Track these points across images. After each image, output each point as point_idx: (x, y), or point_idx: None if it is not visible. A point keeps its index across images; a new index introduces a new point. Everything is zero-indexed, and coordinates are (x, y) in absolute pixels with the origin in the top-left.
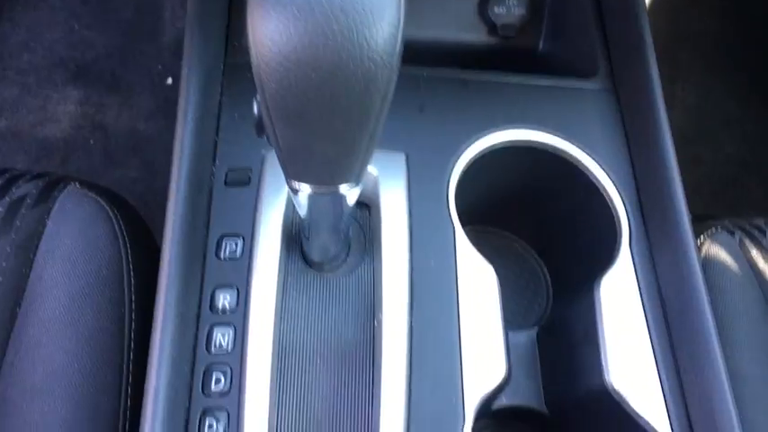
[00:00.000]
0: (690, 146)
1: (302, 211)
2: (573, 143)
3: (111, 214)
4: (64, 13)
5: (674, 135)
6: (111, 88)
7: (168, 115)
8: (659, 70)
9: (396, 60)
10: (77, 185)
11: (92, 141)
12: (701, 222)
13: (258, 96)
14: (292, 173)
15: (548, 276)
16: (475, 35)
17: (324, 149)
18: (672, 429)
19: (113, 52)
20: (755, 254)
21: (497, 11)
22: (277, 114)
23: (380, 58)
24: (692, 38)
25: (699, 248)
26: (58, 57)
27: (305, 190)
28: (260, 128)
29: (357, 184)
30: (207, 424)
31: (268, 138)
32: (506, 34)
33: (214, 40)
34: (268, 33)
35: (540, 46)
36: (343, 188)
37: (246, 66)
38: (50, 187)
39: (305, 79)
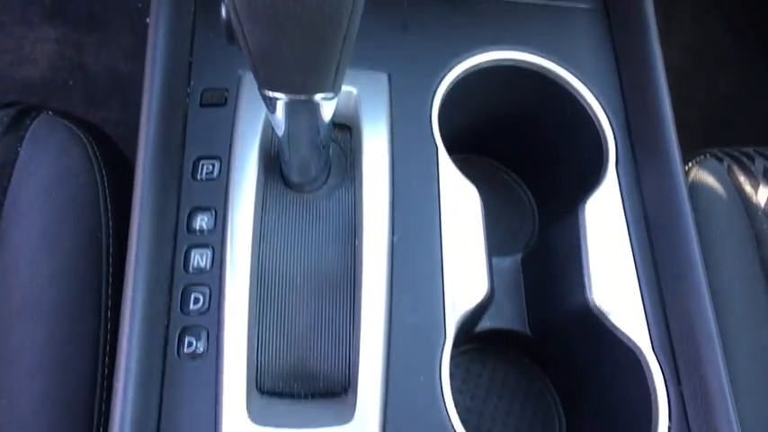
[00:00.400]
0: (684, 85)
1: (279, 129)
2: (561, 64)
3: (85, 141)
4: None
5: (668, 74)
6: (88, 27)
7: None
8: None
9: None
10: (50, 113)
11: (71, 82)
12: (691, 152)
13: None
14: (265, 80)
15: (534, 203)
16: None
17: (294, 50)
18: (652, 343)
19: None
20: (743, 179)
21: None
22: (243, 10)
23: None
24: None
25: (686, 174)
26: None
27: (279, 100)
28: (229, 33)
29: (333, 95)
30: (186, 342)
31: (239, 43)
32: None
33: None
34: None
35: None
36: (319, 97)
37: None
38: (22, 115)
39: None
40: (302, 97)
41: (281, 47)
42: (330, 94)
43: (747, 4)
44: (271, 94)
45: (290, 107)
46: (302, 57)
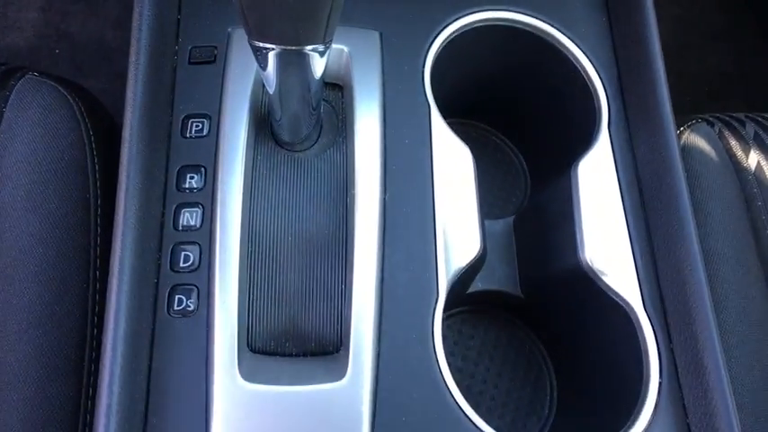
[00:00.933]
0: (674, 58)
1: (270, 85)
2: (553, 25)
3: (71, 101)
4: None
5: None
6: None
7: None
8: None
9: None
10: (35, 74)
11: (57, 51)
12: (682, 116)
13: None
14: (254, 29)
15: (525, 167)
16: None
17: None
18: (643, 301)
19: None
20: (734, 143)
21: None
22: None
23: None
24: None
25: (678, 137)
26: None
27: (270, 51)
28: None
29: (324, 47)
30: (176, 300)
31: None
32: None
33: None
34: None
35: None
36: (309, 49)
37: None
38: (6, 76)
39: None
40: (293, 48)
41: None
42: (321, 47)
43: None
44: (261, 44)
45: (280, 60)
46: (293, 3)
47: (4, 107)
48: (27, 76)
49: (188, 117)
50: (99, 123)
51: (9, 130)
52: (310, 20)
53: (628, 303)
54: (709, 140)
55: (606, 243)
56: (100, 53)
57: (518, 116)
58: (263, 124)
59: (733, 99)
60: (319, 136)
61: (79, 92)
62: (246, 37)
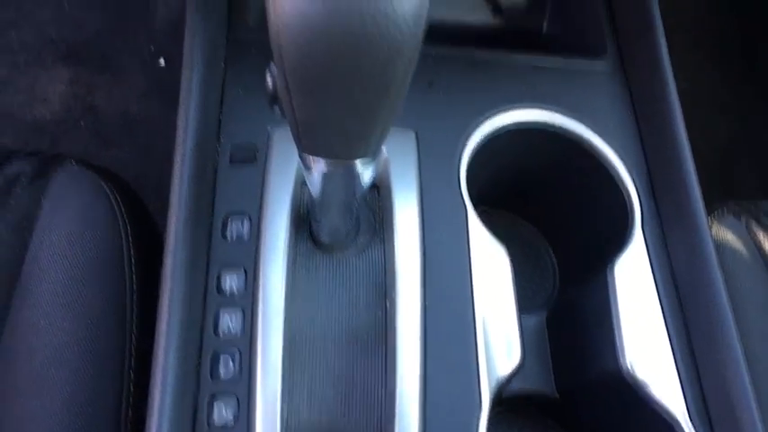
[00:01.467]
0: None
1: (314, 189)
2: (582, 123)
3: (109, 193)
4: None
5: None
6: (101, 69)
7: (161, 97)
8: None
9: (421, 29)
10: (74, 164)
11: (82, 123)
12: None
13: (273, 66)
14: (307, 147)
15: (554, 259)
16: (480, 16)
17: (342, 121)
18: (688, 412)
19: (104, 32)
20: (762, 237)
21: None
22: (296, 84)
23: (407, 27)
24: (689, 27)
25: None
26: (47, 36)
27: (319, 165)
28: (273, 99)
29: (373, 160)
30: (216, 410)
31: (281, 109)
32: (512, 15)
33: (216, 15)
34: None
35: (545, 27)
36: (359, 163)
37: (249, 42)
38: (45, 165)
39: (327, 47)
40: (342, 163)
41: (329, 118)
42: (370, 159)
43: (745, 53)
44: (311, 159)
45: (328, 171)
46: (348, 127)
47: (43, 198)
48: (66, 165)
49: (228, 217)
50: (135, 216)
51: (47, 223)
52: (365, 139)
53: (673, 417)
54: (738, 235)
55: (646, 349)
56: (124, 125)
57: (547, 209)
58: (302, 223)
59: (741, 174)
60: (357, 235)
61: (116, 182)
62: (287, 136)
